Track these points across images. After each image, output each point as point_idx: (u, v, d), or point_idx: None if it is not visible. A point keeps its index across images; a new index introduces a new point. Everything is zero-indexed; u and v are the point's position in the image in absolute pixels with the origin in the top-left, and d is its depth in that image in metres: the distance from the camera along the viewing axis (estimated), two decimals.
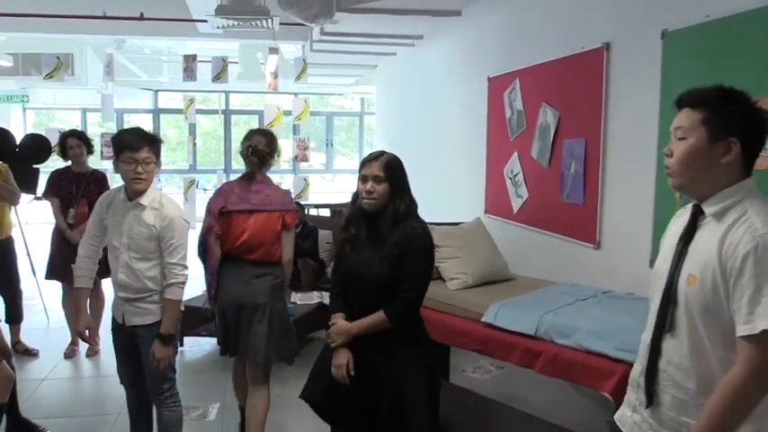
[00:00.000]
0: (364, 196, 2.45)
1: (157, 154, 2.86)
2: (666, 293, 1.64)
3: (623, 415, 1.80)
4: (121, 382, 3.06)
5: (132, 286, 2.84)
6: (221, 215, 3.21)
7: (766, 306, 1.44)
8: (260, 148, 3.29)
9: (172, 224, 2.84)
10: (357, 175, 2.54)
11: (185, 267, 2.88)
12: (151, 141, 2.82)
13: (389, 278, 2.40)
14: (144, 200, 2.83)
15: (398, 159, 2.53)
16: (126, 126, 13.49)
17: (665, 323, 1.64)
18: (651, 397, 1.67)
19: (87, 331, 3.07)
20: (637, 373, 1.76)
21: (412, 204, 2.52)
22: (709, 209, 1.59)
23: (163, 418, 2.99)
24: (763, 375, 1.46)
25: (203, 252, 3.24)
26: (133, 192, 2.83)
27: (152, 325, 2.87)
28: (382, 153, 2.53)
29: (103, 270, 4.85)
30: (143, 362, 2.91)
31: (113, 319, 2.98)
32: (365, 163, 2.50)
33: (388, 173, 2.45)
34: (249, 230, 3.20)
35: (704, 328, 1.56)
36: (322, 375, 2.55)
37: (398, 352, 2.42)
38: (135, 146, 2.75)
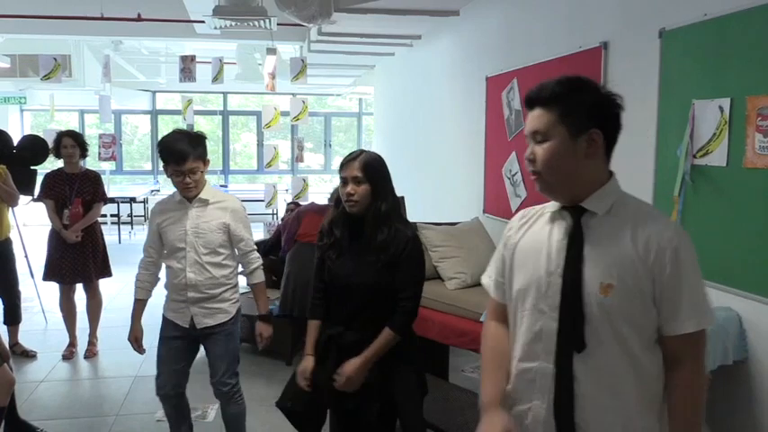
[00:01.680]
0: (345, 199, 2.35)
1: (204, 157, 2.89)
2: (567, 310, 1.45)
3: None
4: (161, 393, 3.02)
5: (203, 284, 2.88)
6: None
7: (699, 303, 1.41)
8: None
9: (238, 214, 2.97)
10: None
11: (257, 250, 3.02)
12: (195, 147, 2.83)
13: (376, 284, 2.33)
14: (205, 196, 2.91)
15: (379, 157, 2.43)
16: (124, 128, 13.51)
17: (571, 344, 1.45)
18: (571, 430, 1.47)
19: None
20: (539, 414, 1.51)
21: (396, 204, 2.42)
22: (596, 206, 1.48)
23: (232, 412, 3.08)
24: (703, 366, 1.48)
25: None
26: (187, 197, 2.91)
27: (223, 324, 2.94)
28: (361, 152, 2.42)
29: (102, 271, 4.92)
30: (211, 361, 2.98)
31: (172, 325, 2.96)
32: (344, 164, 2.39)
33: (367, 173, 2.34)
34: None
35: (633, 336, 1.43)
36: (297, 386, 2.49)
37: (387, 358, 2.35)
38: (180, 159, 2.78)
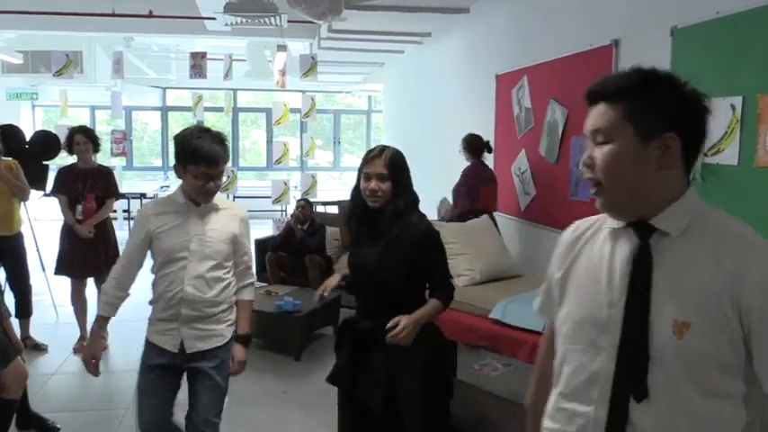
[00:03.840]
0: (368, 195, 2.39)
1: (227, 159, 2.56)
2: (631, 348, 1.19)
3: None
4: (145, 427, 2.57)
5: (202, 301, 2.49)
6: None
7: None
8: None
9: (245, 224, 2.66)
10: (357, 171, 2.48)
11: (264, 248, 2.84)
12: (225, 149, 2.51)
13: (387, 276, 2.39)
14: (215, 201, 2.57)
15: (401, 154, 2.46)
16: (134, 124, 13.57)
17: (631, 389, 1.19)
18: None
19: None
20: None
21: (414, 199, 2.48)
22: (669, 226, 1.20)
23: None
24: None
25: None
26: (198, 202, 2.54)
27: (217, 350, 2.54)
28: (384, 148, 2.44)
29: (113, 265, 4.94)
30: (196, 396, 2.56)
31: (158, 350, 2.53)
32: (367, 160, 2.42)
33: (392, 170, 2.39)
34: None
35: (713, 387, 1.17)
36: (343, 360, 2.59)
37: (398, 348, 2.35)
38: (213, 160, 2.43)
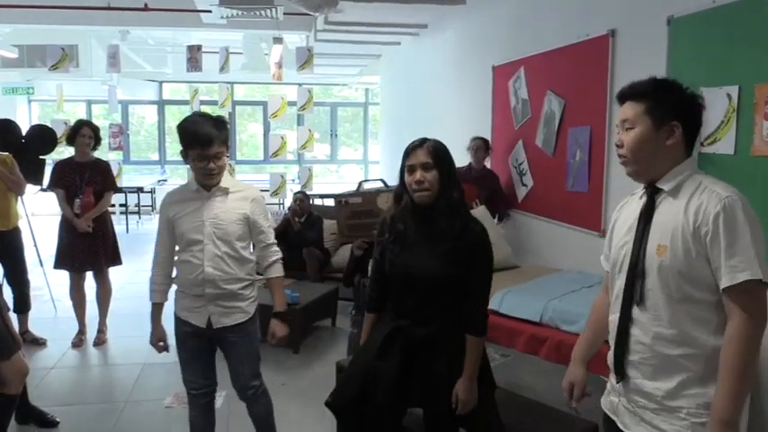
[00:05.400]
0: (414, 188, 2.20)
1: (227, 141, 2.69)
2: (632, 269, 1.74)
3: (608, 401, 1.91)
4: (193, 391, 2.84)
5: (222, 279, 2.67)
6: None
7: (741, 258, 1.57)
8: None
9: (258, 204, 2.79)
10: (399, 170, 2.32)
11: (276, 244, 2.88)
12: (220, 130, 2.63)
13: (448, 276, 2.20)
14: (225, 185, 2.72)
15: (444, 145, 2.30)
16: (131, 118, 13.54)
17: (632, 297, 1.74)
18: (623, 371, 1.78)
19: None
20: (610, 357, 1.84)
21: (463, 193, 2.30)
22: (665, 185, 1.73)
23: (259, 413, 2.93)
24: (757, 317, 1.60)
25: None
26: (207, 185, 2.70)
27: (241, 324, 2.75)
28: (426, 139, 2.28)
29: (112, 259, 4.96)
30: (232, 366, 2.82)
31: (188, 324, 2.75)
32: (410, 152, 2.25)
33: (436, 159, 2.21)
34: None
35: (680, 293, 1.65)
36: (348, 381, 2.41)
37: (457, 351, 2.26)
38: (206, 142, 2.58)
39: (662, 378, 1.69)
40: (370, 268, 2.50)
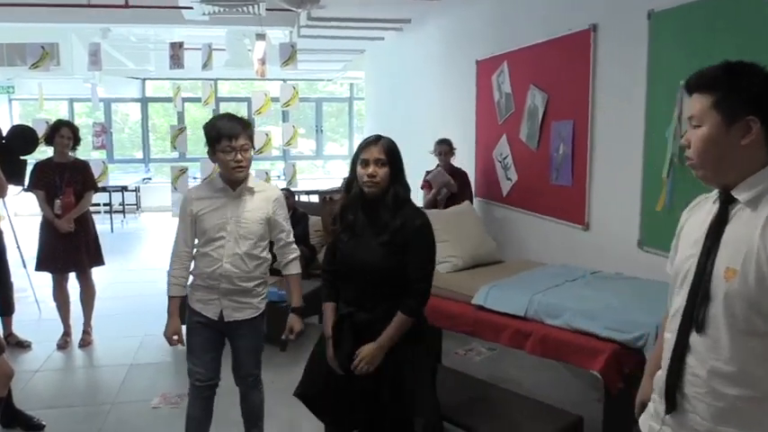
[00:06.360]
0: (365, 180, 2.40)
1: (252, 139, 2.83)
2: (695, 289, 1.49)
3: (647, 425, 1.66)
4: (198, 383, 2.90)
5: (238, 276, 2.78)
6: None
7: None
8: None
9: (280, 204, 2.90)
10: (351, 161, 2.51)
11: (295, 242, 2.98)
12: (246, 127, 2.78)
13: (387, 265, 2.39)
14: (251, 184, 2.83)
15: (396, 145, 2.51)
16: (114, 116, 13.43)
17: (692, 322, 1.49)
18: (674, 402, 1.54)
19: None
20: (660, 378, 1.61)
21: (409, 191, 2.50)
22: (741, 195, 1.45)
23: (255, 401, 3.05)
24: None
25: None
26: (234, 180, 2.79)
27: (251, 320, 2.87)
28: (380, 137, 2.49)
29: (94, 259, 4.92)
30: (238, 355, 2.93)
31: (201, 315, 2.84)
32: (365, 146, 2.45)
33: (389, 156, 2.42)
34: None
35: (747, 326, 1.40)
36: (317, 371, 2.57)
37: (400, 342, 2.41)
38: (233, 134, 2.70)
39: (717, 420, 1.45)
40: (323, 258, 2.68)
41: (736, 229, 1.45)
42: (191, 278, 2.91)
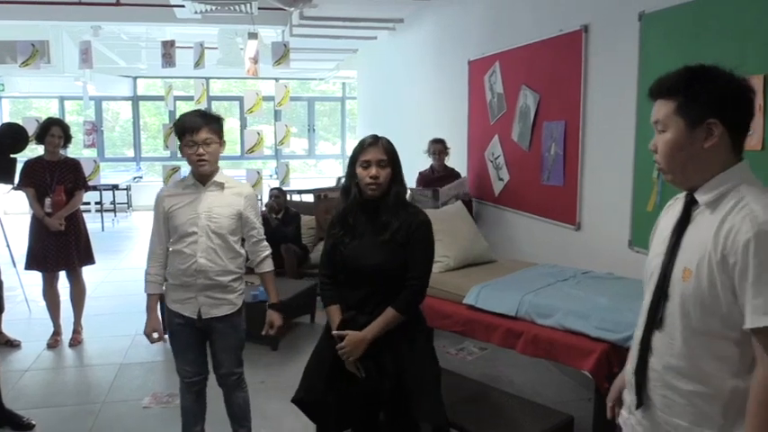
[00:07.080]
0: (368, 182, 2.34)
1: (219, 133, 2.83)
2: (659, 288, 1.53)
3: (622, 416, 1.71)
4: (186, 379, 2.95)
5: (213, 270, 2.78)
6: None
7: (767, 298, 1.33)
8: None
9: (251, 201, 2.92)
10: (349, 163, 2.44)
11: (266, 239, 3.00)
12: (210, 121, 2.78)
13: (392, 265, 2.35)
14: (220, 179, 2.85)
15: (392, 143, 2.46)
16: (105, 114, 13.37)
17: (654, 319, 1.54)
18: (641, 397, 1.58)
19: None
20: (629, 372, 1.65)
21: (406, 191, 2.48)
22: (701, 197, 1.48)
23: (238, 401, 3.04)
24: None
25: None
26: (200, 174, 2.81)
27: (229, 316, 2.86)
28: (378, 137, 2.42)
29: (85, 258, 4.90)
30: (218, 354, 2.92)
31: (180, 315, 2.84)
32: (364, 148, 2.38)
33: (390, 157, 2.37)
34: None
35: (700, 325, 1.44)
36: (317, 375, 2.51)
37: (402, 342, 2.38)
38: (194, 128, 2.72)
39: (675, 415, 1.50)
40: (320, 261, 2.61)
41: (696, 230, 1.48)
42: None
